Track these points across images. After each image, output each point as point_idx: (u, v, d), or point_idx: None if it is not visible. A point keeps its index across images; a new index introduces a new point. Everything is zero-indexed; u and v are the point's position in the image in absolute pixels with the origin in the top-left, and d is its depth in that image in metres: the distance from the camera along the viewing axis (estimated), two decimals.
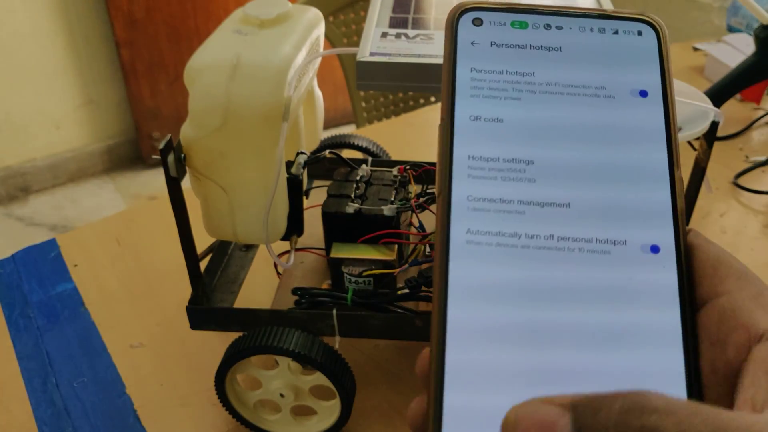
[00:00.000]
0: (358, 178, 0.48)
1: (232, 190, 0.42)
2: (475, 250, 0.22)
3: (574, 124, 0.24)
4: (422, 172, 0.50)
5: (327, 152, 0.49)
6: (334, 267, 0.45)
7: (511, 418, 0.18)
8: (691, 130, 0.44)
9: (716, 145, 0.45)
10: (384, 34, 0.44)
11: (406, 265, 0.45)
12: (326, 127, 0.61)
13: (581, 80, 0.25)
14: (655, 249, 0.22)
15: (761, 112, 0.87)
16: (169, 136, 0.39)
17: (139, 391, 0.50)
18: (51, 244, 0.65)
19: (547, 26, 0.26)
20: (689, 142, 0.47)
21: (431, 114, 0.94)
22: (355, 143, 0.62)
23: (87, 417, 0.48)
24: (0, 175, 1.98)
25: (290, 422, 0.46)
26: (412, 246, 0.48)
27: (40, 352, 0.54)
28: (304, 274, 0.50)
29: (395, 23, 0.46)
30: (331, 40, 1.13)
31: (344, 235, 0.45)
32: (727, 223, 0.67)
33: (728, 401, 0.20)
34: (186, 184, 0.41)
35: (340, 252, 0.45)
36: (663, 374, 0.21)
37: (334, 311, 0.43)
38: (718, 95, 0.78)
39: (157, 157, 0.39)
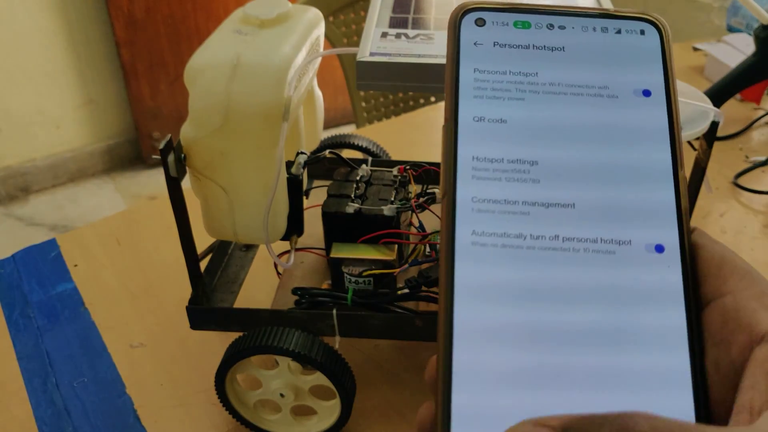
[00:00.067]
0: (358, 178, 0.48)
1: (232, 190, 0.42)
2: (480, 251, 0.22)
3: (577, 125, 0.24)
4: (422, 172, 0.50)
5: (327, 152, 0.49)
6: (334, 267, 0.45)
7: None
8: (691, 130, 0.44)
9: (716, 145, 0.45)
10: (384, 34, 0.44)
11: (406, 265, 0.45)
12: (326, 127, 0.61)
13: (584, 80, 0.25)
14: (659, 248, 0.22)
15: (761, 112, 0.87)
16: (169, 136, 0.39)
17: (139, 391, 0.50)
18: (51, 244, 0.65)
19: (550, 26, 0.26)
20: (689, 142, 0.47)
21: (431, 114, 0.94)
22: (355, 143, 0.62)
23: (87, 417, 0.48)
24: (0, 175, 1.98)
25: (290, 422, 0.46)
26: (412, 246, 0.48)
27: (40, 352, 0.54)
28: (304, 274, 0.50)
29: (395, 23, 0.46)
30: (331, 40, 1.13)
31: (344, 235, 0.45)
32: (727, 223, 0.67)
33: (732, 402, 0.20)
34: (186, 184, 0.41)
35: (340, 252, 0.45)
36: (669, 374, 0.21)
37: (334, 311, 0.43)
38: (718, 95, 0.78)
39: (157, 157, 0.39)
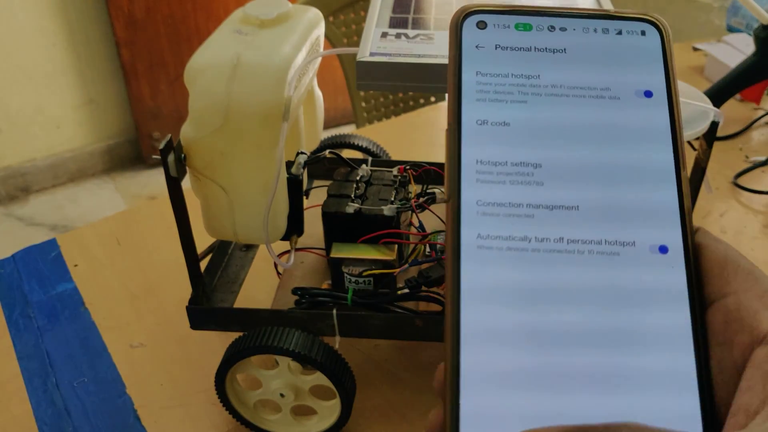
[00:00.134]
0: (358, 178, 0.48)
1: (232, 190, 0.42)
2: (486, 254, 0.22)
3: (580, 126, 0.24)
4: (422, 172, 0.50)
5: (327, 152, 0.49)
6: (334, 267, 0.45)
7: None
8: (691, 130, 0.44)
9: (716, 145, 0.45)
10: (384, 34, 0.44)
11: (406, 265, 0.45)
12: (326, 127, 0.61)
13: (586, 82, 0.25)
14: (663, 249, 0.22)
15: (761, 112, 0.87)
16: (169, 136, 0.39)
17: (139, 391, 0.50)
18: (51, 244, 0.65)
19: (551, 28, 0.26)
20: (689, 142, 0.47)
21: (431, 114, 0.94)
22: (355, 143, 0.62)
23: (87, 417, 0.48)
24: (0, 175, 1.98)
25: (290, 422, 0.46)
26: (412, 246, 0.48)
27: (40, 352, 0.54)
28: (304, 274, 0.50)
29: (395, 23, 0.46)
30: (331, 40, 1.13)
31: (344, 235, 0.45)
32: (727, 223, 0.67)
33: None
34: (186, 184, 0.41)
35: (340, 252, 0.45)
36: (675, 375, 0.21)
37: (334, 311, 0.43)
38: (718, 95, 0.78)
39: (157, 157, 0.39)
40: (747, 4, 0.70)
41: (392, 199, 0.46)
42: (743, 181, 0.74)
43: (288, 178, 0.44)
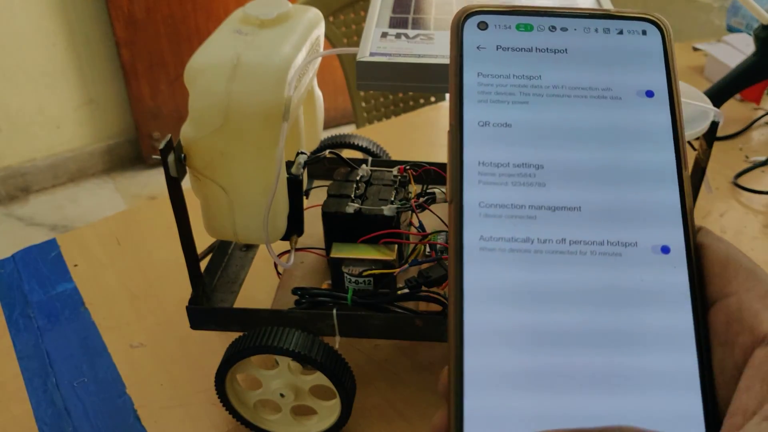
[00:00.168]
0: (358, 178, 0.48)
1: (232, 190, 0.42)
2: (488, 256, 0.22)
3: (582, 127, 0.24)
4: (422, 172, 0.50)
5: (327, 152, 0.49)
6: (334, 267, 0.45)
7: None
8: (691, 130, 0.44)
9: (716, 145, 0.45)
10: (384, 34, 0.44)
11: (406, 265, 0.45)
12: (326, 127, 0.61)
13: (588, 82, 0.25)
14: (665, 249, 0.22)
15: (761, 112, 0.87)
16: (169, 136, 0.39)
17: (139, 391, 0.50)
18: (51, 244, 0.65)
19: (552, 28, 0.26)
20: (689, 142, 0.47)
21: (431, 114, 0.94)
22: (355, 143, 0.62)
23: (87, 417, 0.48)
24: (0, 175, 1.98)
25: (290, 422, 0.46)
26: (412, 246, 0.48)
27: (40, 352, 0.54)
28: (304, 274, 0.50)
29: (395, 23, 0.46)
30: (331, 40, 1.13)
31: (344, 235, 0.45)
32: (727, 223, 0.67)
33: None
34: (186, 184, 0.41)
35: (340, 252, 0.45)
36: (678, 376, 0.21)
37: (334, 311, 0.43)
38: (718, 95, 0.78)
39: (157, 157, 0.39)
40: (747, 4, 0.70)
41: (392, 199, 0.46)
42: (743, 181, 0.74)
43: (288, 178, 0.44)
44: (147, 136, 2.09)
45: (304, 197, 0.51)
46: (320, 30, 0.46)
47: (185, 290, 0.45)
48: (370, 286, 0.45)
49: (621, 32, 0.26)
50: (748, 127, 0.84)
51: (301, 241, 0.49)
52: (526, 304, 0.22)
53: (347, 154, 0.53)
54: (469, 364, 0.21)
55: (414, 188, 0.50)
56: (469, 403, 0.20)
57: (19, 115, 1.94)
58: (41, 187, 2.06)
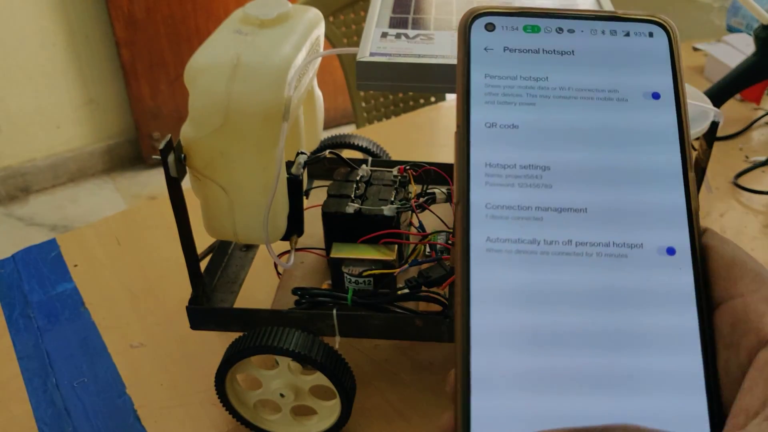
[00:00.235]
0: (358, 178, 0.48)
1: (232, 190, 0.42)
2: (495, 257, 0.22)
3: (588, 129, 0.24)
4: (422, 172, 0.50)
5: (327, 152, 0.49)
6: (334, 267, 0.45)
7: None
8: (691, 130, 0.44)
9: (716, 145, 0.45)
10: (384, 34, 0.44)
11: (406, 265, 0.45)
12: (326, 127, 0.61)
13: (594, 84, 0.25)
14: (671, 251, 0.23)
15: (761, 112, 0.87)
16: (169, 136, 0.39)
17: (139, 391, 0.50)
18: (51, 244, 0.65)
19: (559, 30, 0.26)
20: None
21: (431, 114, 0.94)
22: (355, 143, 0.62)
23: (87, 417, 0.48)
24: (0, 175, 1.98)
25: (290, 422, 0.46)
26: (412, 246, 0.48)
27: (40, 352, 0.54)
28: (304, 274, 0.50)
29: (395, 23, 0.46)
30: (331, 40, 1.13)
31: (344, 235, 0.45)
32: (727, 223, 0.67)
33: None
34: (186, 184, 0.41)
35: (340, 252, 0.45)
36: (683, 377, 0.21)
37: (334, 311, 0.43)
38: (718, 95, 0.78)
39: (157, 157, 0.39)
40: (747, 4, 0.70)
41: (392, 199, 0.46)
42: (743, 181, 0.74)
43: (288, 178, 0.44)
44: (147, 136, 2.09)
45: (304, 197, 0.51)
46: (320, 30, 0.46)
47: (185, 290, 0.45)
48: (370, 286, 0.45)
49: (628, 34, 0.26)
50: (748, 127, 0.84)
51: (301, 241, 0.49)
52: (533, 306, 0.22)
53: (347, 154, 0.53)
54: (476, 365, 0.21)
55: (414, 188, 0.50)
56: (477, 403, 0.20)
57: (19, 115, 1.94)
58: (41, 187, 2.06)
